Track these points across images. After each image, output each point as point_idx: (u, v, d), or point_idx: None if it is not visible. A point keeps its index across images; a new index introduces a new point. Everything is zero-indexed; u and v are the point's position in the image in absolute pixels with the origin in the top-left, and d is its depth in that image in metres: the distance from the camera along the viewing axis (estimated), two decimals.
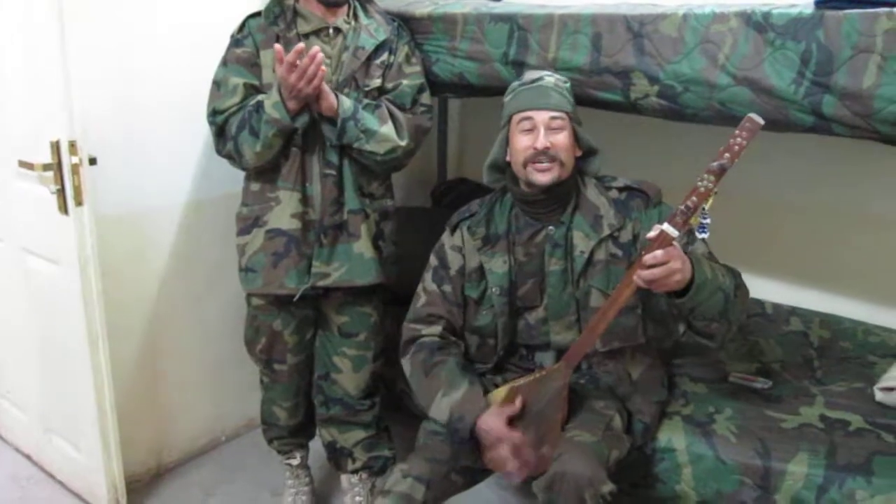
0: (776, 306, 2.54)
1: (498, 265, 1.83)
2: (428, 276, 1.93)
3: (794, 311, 2.51)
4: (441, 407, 1.76)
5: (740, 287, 1.69)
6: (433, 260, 1.93)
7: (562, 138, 1.73)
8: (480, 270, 1.85)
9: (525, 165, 1.74)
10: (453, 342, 1.89)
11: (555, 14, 1.91)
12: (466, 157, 3.45)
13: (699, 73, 1.70)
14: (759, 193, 2.52)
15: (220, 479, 2.55)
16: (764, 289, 2.53)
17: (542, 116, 1.73)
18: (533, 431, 1.70)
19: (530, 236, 1.83)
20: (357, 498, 2.28)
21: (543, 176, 1.72)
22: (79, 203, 2.01)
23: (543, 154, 1.71)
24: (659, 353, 1.97)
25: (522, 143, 1.74)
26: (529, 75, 1.81)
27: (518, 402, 1.71)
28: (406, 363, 1.90)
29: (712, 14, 1.67)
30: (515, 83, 1.81)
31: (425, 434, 1.84)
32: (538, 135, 1.71)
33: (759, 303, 2.53)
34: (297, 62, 1.77)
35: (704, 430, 1.88)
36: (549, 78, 1.78)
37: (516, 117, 1.76)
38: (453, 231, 1.91)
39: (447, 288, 1.88)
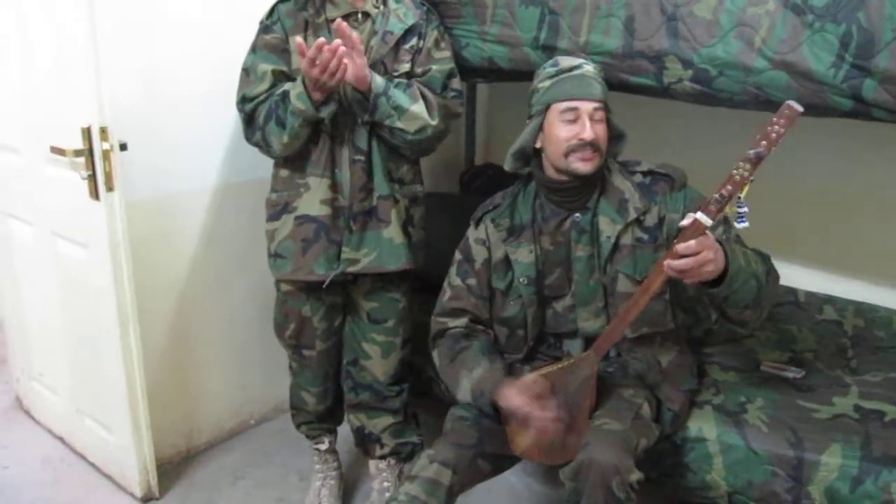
0: (809, 294, 2.50)
1: (524, 255, 1.82)
2: (453, 270, 1.93)
3: (827, 300, 2.47)
4: (464, 389, 1.78)
5: (771, 272, 1.68)
6: (458, 255, 1.93)
7: (602, 129, 1.72)
8: (506, 261, 1.84)
9: (567, 155, 1.71)
10: (480, 330, 1.89)
11: None
12: (494, 143, 3.43)
13: (734, 56, 1.67)
14: (794, 180, 2.48)
15: (248, 462, 2.57)
16: (797, 277, 2.49)
17: (587, 107, 1.70)
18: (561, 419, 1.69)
19: (557, 225, 1.81)
20: (385, 483, 2.29)
21: (586, 165, 1.70)
22: (110, 188, 2.02)
23: (589, 145, 1.69)
24: (688, 342, 1.95)
25: (565, 133, 1.70)
26: (566, 62, 1.76)
27: (541, 381, 1.70)
28: (435, 356, 1.92)
29: None
30: (551, 69, 1.76)
31: (452, 420, 1.84)
32: (584, 126, 1.68)
33: (792, 291, 2.50)
34: (319, 57, 1.76)
35: (736, 419, 1.86)
36: (588, 66, 1.74)
37: (559, 106, 1.71)
38: (477, 224, 1.90)
39: (472, 281, 1.88)
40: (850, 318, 2.39)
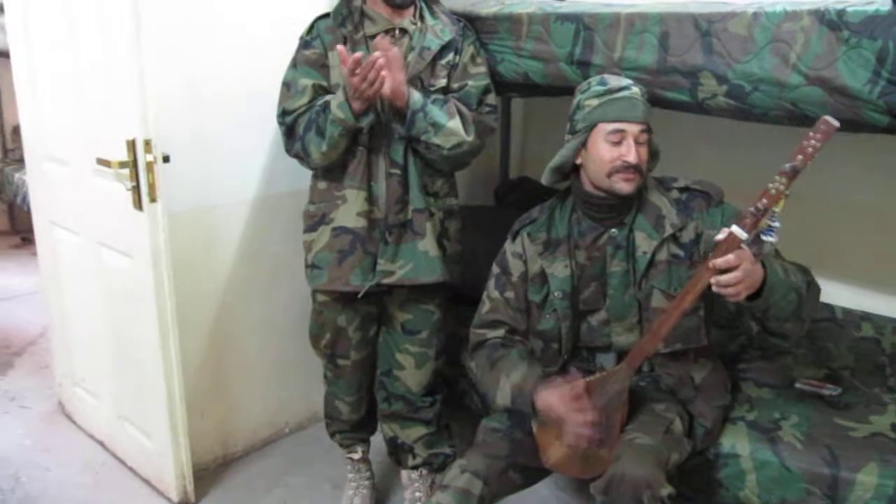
0: (847, 311, 2.47)
1: (559, 269, 1.83)
2: (491, 283, 1.94)
3: (865, 317, 2.44)
4: (504, 391, 1.79)
5: (812, 284, 1.66)
6: (495, 268, 1.94)
7: (645, 151, 1.73)
8: (542, 275, 1.85)
9: (610, 175, 1.72)
10: (518, 340, 1.90)
11: (621, 13, 1.90)
12: (529, 157, 3.44)
13: (769, 72, 1.67)
14: (831, 195, 2.46)
15: (283, 470, 2.60)
16: (835, 293, 2.46)
17: (633, 129, 1.70)
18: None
19: (593, 240, 1.82)
20: (417, 493, 2.30)
21: (629, 185, 1.71)
22: (153, 199, 2.07)
23: (633, 167, 1.70)
24: (723, 357, 1.94)
25: (610, 154, 1.71)
26: (613, 82, 1.76)
27: (581, 382, 1.69)
28: (473, 366, 1.93)
29: (784, 12, 1.63)
30: (599, 87, 1.75)
31: (485, 431, 1.85)
32: (630, 148, 1.69)
33: (830, 308, 2.47)
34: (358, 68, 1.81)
35: (769, 436, 1.85)
36: (635, 88, 1.74)
37: (606, 127, 1.71)
38: (514, 238, 1.92)
39: (510, 294, 1.89)
40: (889, 336, 2.36)
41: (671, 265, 1.77)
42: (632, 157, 1.69)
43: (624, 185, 1.71)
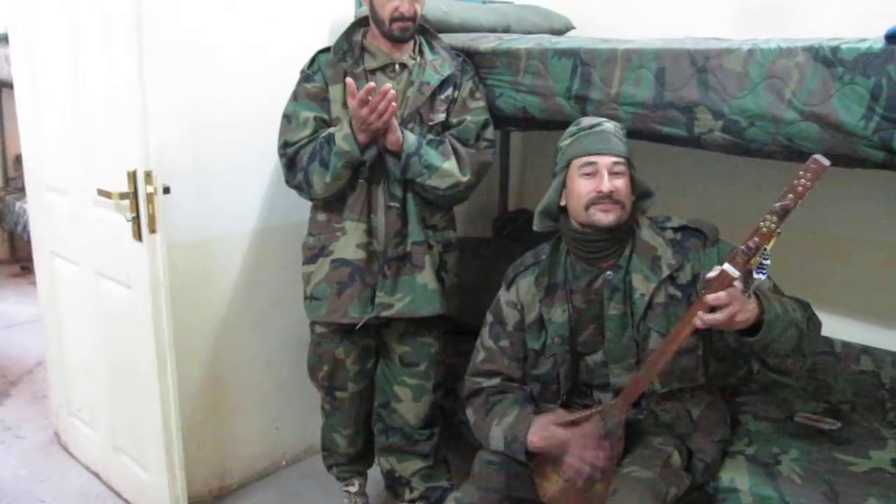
0: (846, 345, 2.47)
1: (557, 315, 1.82)
2: (485, 332, 1.94)
3: (865, 351, 2.44)
4: (496, 435, 1.79)
5: (812, 319, 1.66)
6: (489, 317, 1.94)
7: (622, 183, 1.73)
8: (540, 321, 1.85)
9: (587, 208, 1.72)
10: (515, 387, 1.90)
11: (618, 49, 1.92)
12: (527, 189, 3.46)
13: (765, 108, 1.68)
14: (829, 229, 2.47)
15: (279, 503, 2.58)
16: (834, 327, 2.46)
17: (605, 161, 1.72)
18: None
19: (588, 283, 1.81)
20: None
21: (607, 216, 1.71)
22: (152, 230, 2.08)
23: (607, 197, 1.70)
24: (722, 390, 1.93)
25: (585, 187, 1.72)
26: (587, 121, 1.80)
27: (562, 412, 1.72)
28: (470, 413, 1.93)
29: (778, 49, 1.65)
30: (573, 128, 1.80)
31: (480, 463, 1.84)
32: (602, 178, 1.70)
33: (829, 341, 2.47)
34: (370, 97, 1.82)
35: (769, 470, 1.84)
36: (608, 124, 1.78)
37: (578, 161, 1.74)
38: (509, 286, 1.91)
39: (504, 343, 1.89)
40: (888, 370, 2.35)
41: (669, 307, 1.76)
42: (604, 186, 1.69)
43: (601, 217, 1.71)
